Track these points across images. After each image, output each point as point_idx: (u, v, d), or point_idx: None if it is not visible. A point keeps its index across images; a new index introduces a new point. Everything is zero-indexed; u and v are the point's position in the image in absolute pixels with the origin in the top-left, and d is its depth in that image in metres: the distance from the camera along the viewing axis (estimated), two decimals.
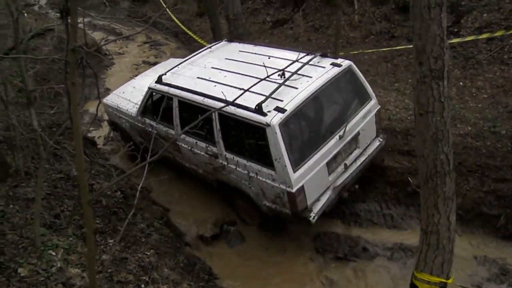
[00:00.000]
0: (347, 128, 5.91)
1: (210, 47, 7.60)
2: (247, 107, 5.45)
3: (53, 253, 4.51)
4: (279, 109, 5.33)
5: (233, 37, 9.38)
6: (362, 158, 6.35)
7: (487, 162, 6.71)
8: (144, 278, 4.71)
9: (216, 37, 11.22)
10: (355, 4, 12.05)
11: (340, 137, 5.84)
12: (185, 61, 7.16)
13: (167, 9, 18.42)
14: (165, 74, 6.82)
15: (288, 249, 6.33)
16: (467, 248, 5.92)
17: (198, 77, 6.46)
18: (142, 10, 20.59)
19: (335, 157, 5.89)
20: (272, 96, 5.44)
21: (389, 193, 6.97)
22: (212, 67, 6.64)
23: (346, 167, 6.12)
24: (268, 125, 5.24)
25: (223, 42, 7.85)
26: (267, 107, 5.35)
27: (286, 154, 5.26)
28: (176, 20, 16.80)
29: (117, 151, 8.94)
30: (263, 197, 5.90)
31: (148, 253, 5.26)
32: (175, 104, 6.45)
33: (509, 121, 7.43)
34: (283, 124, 5.26)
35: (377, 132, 6.60)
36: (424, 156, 3.27)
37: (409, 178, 6.83)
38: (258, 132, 5.39)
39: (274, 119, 5.24)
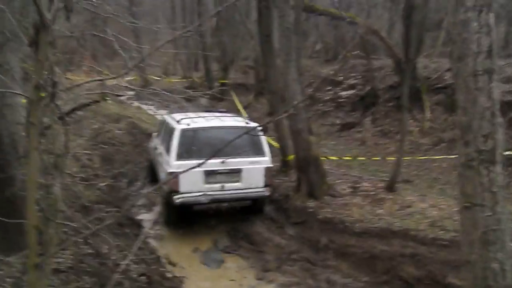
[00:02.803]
0: (230, 160, 7.99)
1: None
2: (177, 120, 8.65)
3: None
4: (187, 125, 8.41)
5: (292, 132, 9.23)
6: (240, 192, 8.37)
7: None
8: None
9: (278, 132, 11.17)
10: (426, 110, 11.60)
11: (222, 162, 7.94)
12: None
13: (241, 107, 19.08)
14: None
15: None
16: None
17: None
18: (217, 106, 21.50)
19: (214, 173, 8.09)
20: (193, 119, 8.75)
21: None
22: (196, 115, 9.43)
23: (223, 188, 8.24)
24: (175, 129, 8.34)
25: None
26: (185, 123, 8.45)
27: (176, 148, 8.04)
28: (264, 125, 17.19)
29: (163, 236, 8.65)
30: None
31: None
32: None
33: None
34: (183, 131, 8.23)
35: (264, 183, 8.48)
36: (470, 262, 2.56)
37: None
38: (174, 133, 8.28)
39: (180, 127, 8.33)
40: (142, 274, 5.82)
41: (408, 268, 6.73)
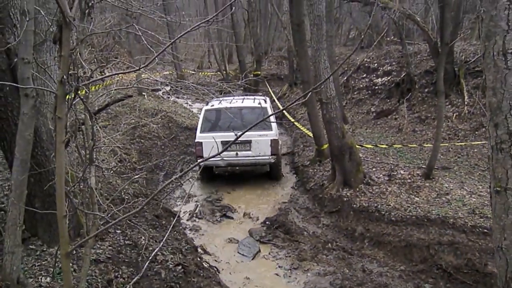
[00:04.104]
0: (241, 132, 8.51)
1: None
2: (206, 103, 11.22)
3: None
4: (211, 106, 10.77)
5: (326, 121, 9.14)
6: (251, 158, 10.43)
7: None
8: None
9: (312, 121, 11.10)
10: (465, 94, 11.24)
11: (235, 134, 7.91)
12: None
13: (275, 98, 19.00)
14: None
15: None
16: None
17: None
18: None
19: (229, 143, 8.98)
20: (220, 101, 11.00)
21: None
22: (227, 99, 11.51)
23: (237, 155, 10.35)
24: (202, 109, 11.00)
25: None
26: (210, 105, 10.86)
27: (201, 123, 10.61)
28: (287, 114, 17.19)
29: (199, 228, 8.80)
30: None
31: None
32: None
33: None
34: (207, 111, 10.74)
35: (271, 152, 10.37)
36: (502, 249, 2.48)
37: None
38: (201, 112, 11.08)
39: (206, 108, 10.84)
40: (178, 264, 5.93)
41: (446, 257, 6.59)
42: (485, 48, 2.35)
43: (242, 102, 11.01)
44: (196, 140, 10.47)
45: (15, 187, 3.89)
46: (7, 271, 3.95)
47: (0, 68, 4.57)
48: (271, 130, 10.40)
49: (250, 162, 10.58)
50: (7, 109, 4.72)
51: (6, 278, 3.93)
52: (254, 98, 11.61)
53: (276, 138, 10.60)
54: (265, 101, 11.62)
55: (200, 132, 10.43)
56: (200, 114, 11.56)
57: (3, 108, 4.70)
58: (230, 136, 9.62)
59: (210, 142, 9.94)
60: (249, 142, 10.27)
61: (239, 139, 9.59)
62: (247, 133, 9.18)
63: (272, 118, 9.63)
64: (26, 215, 4.59)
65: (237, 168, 10.96)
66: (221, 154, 9.45)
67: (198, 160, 9.89)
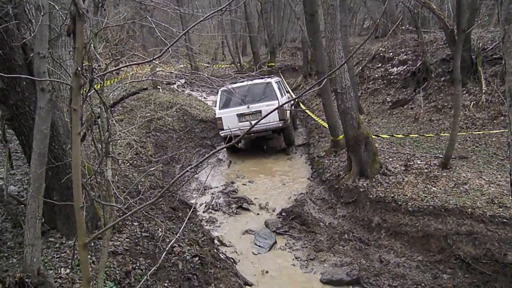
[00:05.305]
0: (253, 105, 12.21)
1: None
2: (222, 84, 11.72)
3: None
4: (226, 86, 11.33)
5: (341, 111, 9.07)
6: (262, 125, 12.09)
7: None
8: None
9: (327, 112, 11.02)
10: (482, 83, 11.04)
11: (248, 107, 12.08)
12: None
13: (290, 90, 18.96)
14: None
15: None
16: None
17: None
18: None
19: (243, 115, 12.25)
20: (233, 83, 12.59)
21: None
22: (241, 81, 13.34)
23: (251, 124, 10.95)
24: (219, 90, 12.80)
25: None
26: (225, 86, 11.20)
27: (219, 102, 12.79)
28: (302, 105, 17.10)
29: (216, 219, 8.85)
30: None
31: None
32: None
33: None
34: (223, 91, 12.57)
35: (279, 119, 12.26)
36: None
37: None
38: (218, 92, 13.09)
39: (221, 88, 12.33)
40: (195, 256, 5.98)
41: (464, 247, 6.51)
42: (504, 32, 2.29)
43: (252, 81, 12.83)
44: (216, 116, 12.64)
45: (33, 181, 3.94)
46: (27, 263, 4.02)
47: (17, 63, 4.63)
48: (277, 100, 12.33)
49: (262, 128, 12.37)
50: (25, 103, 4.79)
51: (26, 270, 4.00)
52: (266, 78, 13.56)
53: None
54: (271, 78, 13.39)
55: (219, 109, 12.58)
56: (217, 96, 13.43)
57: (20, 103, 4.77)
58: (243, 109, 12.17)
59: (228, 116, 12.22)
60: (260, 112, 12.22)
61: (251, 110, 13.29)
62: (257, 104, 13.55)
63: (275, 88, 12.48)
64: (45, 208, 4.66)
65: (252, 135, 12.98)
66: (238, 125, 13.04)
67: (220, 132, 12.65)
